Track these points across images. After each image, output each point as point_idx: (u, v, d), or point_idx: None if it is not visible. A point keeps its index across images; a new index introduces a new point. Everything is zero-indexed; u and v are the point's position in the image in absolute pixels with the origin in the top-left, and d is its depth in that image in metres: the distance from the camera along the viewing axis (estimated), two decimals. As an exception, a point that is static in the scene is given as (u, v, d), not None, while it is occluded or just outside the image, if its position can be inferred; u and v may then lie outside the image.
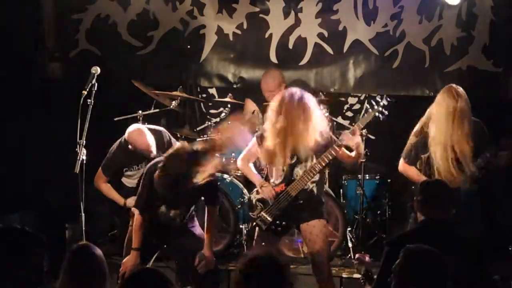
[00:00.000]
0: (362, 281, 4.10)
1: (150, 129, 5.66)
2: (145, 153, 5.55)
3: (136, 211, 4.77)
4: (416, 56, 7.07)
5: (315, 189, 4.71)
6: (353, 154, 4.77)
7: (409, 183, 5.40)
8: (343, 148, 4.72)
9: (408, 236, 3.96)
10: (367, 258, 4.22)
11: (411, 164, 5.17)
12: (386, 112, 4.81)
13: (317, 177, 4.70)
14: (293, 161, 4.68)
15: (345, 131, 4.84)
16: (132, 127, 5.62)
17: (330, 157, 4.65)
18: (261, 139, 4.77)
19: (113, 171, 5.81)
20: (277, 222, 4.72)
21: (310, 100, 4.65)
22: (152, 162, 4.82)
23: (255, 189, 4.86)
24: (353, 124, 6.69)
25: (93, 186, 5.78)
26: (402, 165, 5.24)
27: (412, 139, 5.20)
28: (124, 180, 5.85)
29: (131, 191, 5.69)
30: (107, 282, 3.21)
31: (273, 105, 4.70)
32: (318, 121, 4.65)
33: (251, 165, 4.95)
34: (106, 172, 5.80)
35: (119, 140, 5.76)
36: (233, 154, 6.07)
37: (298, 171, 4.67)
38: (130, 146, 5.57)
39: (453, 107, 4.95)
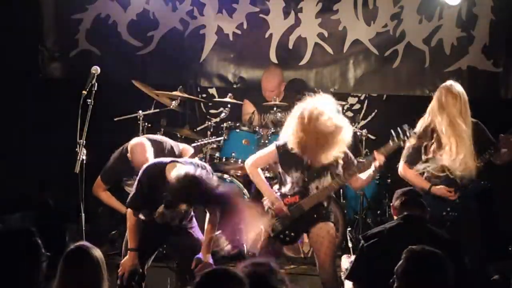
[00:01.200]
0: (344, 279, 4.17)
1: (151, 140, 5.61)
2: (138, 168, 5.55)
3: (129, 212, 4.70)
4: (416, 56, 7.07)
5: (325, 203, 4.75)
6: (364, 177, 4.76)
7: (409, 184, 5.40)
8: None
9: (385, 230, 3.98)
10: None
11: (411, 166, 5.18)
12: (410, 141, 4.79)
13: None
14: (309, 176, 4.68)
15: (365, 159, 4.81)
16: (136, 140, 5.57)
17: (345, 181, 4.71)
18: (282, 147, 4.72)
19: (112, 179, 5.80)
20: (287, 232, 4.74)
21: (340, 119, 4.63)
22: (153, 162, 4.78)
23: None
24: (353, 123, 6.71)
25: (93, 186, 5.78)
26: (402, 168, 5.23)
27: (412, 141, 5.19)
28: (125, 188, 5.84)
29: None
30: (105, 282, 3.20)
31: (299, 115, 4.60)
32: (345, 140, 4.61)
33: (259, 171, 4.92)
34: (105, 180, 5.79)
35: (120, 149, 5.74)
36: (233, 154, 6.07)
37: (313, 186, 4.68)
38: (128, 155, 5.54)
39: (458, 109, 4.98)
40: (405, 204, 4.09)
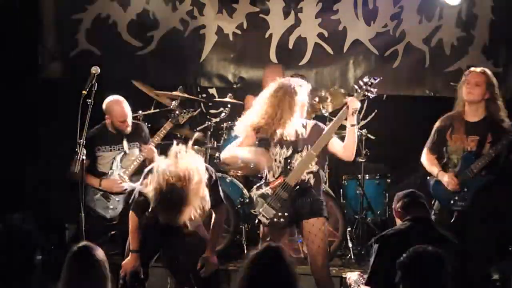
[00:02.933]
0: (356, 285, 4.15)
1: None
2: (120, 126, 5.59)
3: (131, 214, 4.68)
4: (416, 56, 7.08)
5: (311, 181, 4.70)
6: (346, 141, 4.73)
7: (410, 183, 5.39)
8: (335, 139, 4.72)
9: (396, 232, 3.98)
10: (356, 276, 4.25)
11: (433, 152, 5.14)
12: (375, 91, 4.74)
13: (314, 168, 4.69)
14: (289, 153, 4.68)
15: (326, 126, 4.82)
16: (111, 97, 5.64)
17: (323, 145, 4.64)
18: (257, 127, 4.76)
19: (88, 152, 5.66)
20: (279, 214, 4.69)
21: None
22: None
23: (255, 186, 4.83)
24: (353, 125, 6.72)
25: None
26: (424, 155, 5.17)
27: (435, 126, 5.17)
28: (98, 164, 5.75)
29: (104, 175, 5.71)
30: (108, 282, 3.21)
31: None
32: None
33: None
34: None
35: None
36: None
37: (294, 162, 4.67)
38: (106, 117, 5.61)
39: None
40: (407, 206, 4.07)
